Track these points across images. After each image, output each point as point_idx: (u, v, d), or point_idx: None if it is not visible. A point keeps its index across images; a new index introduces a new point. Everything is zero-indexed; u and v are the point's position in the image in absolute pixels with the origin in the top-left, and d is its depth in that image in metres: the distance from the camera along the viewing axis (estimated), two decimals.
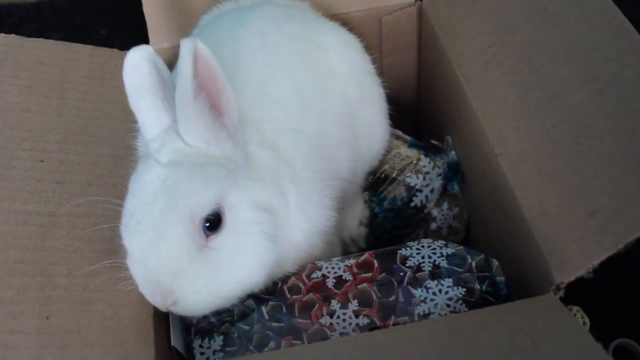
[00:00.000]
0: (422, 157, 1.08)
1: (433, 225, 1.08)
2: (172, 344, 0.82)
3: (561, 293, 0.77)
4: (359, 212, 1.10)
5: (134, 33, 1.42)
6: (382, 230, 1.09)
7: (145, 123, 0.77)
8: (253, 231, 0.77)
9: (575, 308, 0.98)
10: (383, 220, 1.08)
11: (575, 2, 0.87)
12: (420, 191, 1.07)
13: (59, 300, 0.76)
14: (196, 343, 0.83)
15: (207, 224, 0.74)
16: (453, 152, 1.08)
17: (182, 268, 0.73)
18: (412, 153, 1.08)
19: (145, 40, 1.13)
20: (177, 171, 0.73)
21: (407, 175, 1.07)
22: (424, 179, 1.07)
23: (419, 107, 1.31)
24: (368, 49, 1.17)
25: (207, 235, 0.74)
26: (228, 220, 0.75)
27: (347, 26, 1.12)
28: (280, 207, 0.81)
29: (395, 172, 1.07)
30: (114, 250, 0.84)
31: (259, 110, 0.85)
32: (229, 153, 0.77)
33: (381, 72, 1.22)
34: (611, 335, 1.01)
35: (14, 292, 0.75)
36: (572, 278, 0.75)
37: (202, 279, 0.74)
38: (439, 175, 1.08)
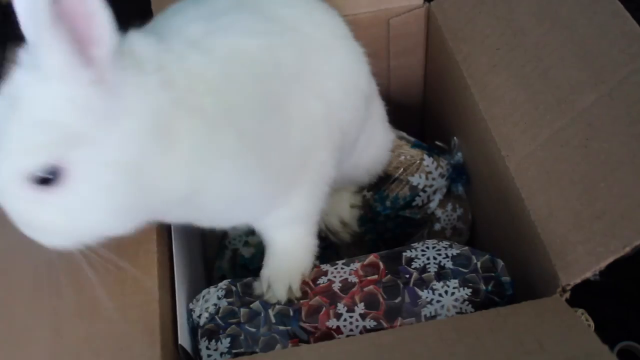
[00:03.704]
0: (426, 157, 1.08)
1: (437, 226, 1.09)
2: (179, 342, 0.82)
3: (567, 295, 0.77)
4: (348, 195, 1.10)
5: None
6: (385, 229, 1.09)
7: None
8: (99, 192, 0.67)
9: (579, 311, 0.98)
10: (385, 219, 1.08)
11: (585, 6, 0.88)
12: (424, 191, 1.07)
13: (69, 313, 0.77)
14: (203, 344, 0.83)
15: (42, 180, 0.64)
16: (459, 154, 1.08)
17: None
18: (416, 153, 1.09)
19: None
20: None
21: (410, 174, 1.07)
22: (427, 178, 1.07)
23: (425, 109, 1.31)
24: (376, 50, 1.18)
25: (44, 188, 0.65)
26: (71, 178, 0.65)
27: (355, 27, 1.12)
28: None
29: (399, 171, 1.07)
30: (121, 254, 0.84)
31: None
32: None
33: (388, 73, 1.23)
34: (615, 338, 1.01)
35: (26, 308, 0.77)
36: (578, 280, 0.75)
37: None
38: (443, 176, 1.08)
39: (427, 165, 1.07)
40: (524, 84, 0.90)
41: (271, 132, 0.76)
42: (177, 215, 0.79)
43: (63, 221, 0.67)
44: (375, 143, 1.04)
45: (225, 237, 1.10)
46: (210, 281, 1.02)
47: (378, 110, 1.03)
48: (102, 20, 0.61)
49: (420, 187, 1.07)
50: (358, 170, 1.05)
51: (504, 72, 0.93)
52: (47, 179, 0.64)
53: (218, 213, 0.81)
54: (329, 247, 1.11)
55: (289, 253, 0.89)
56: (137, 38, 0.69)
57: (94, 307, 0.78)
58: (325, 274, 0.88)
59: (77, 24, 0.60)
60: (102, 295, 0.79)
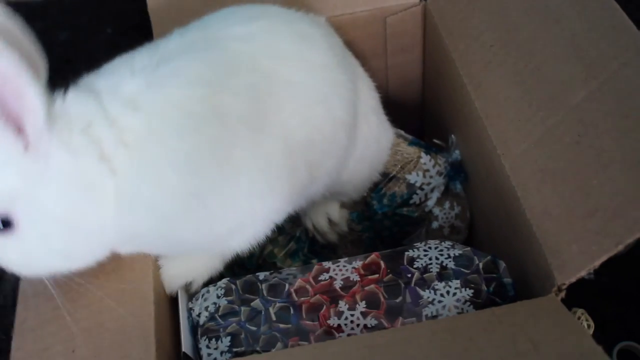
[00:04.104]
0: (423, 154, 1.07)
1: (435, 224, 1.08)
2: (183, 349, 0.82)
3: (562, 294, 0.76)
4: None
5: (140, 32, 1.43)
6: (382, 227, 1.09)
7: None
8: (45, 240, 0.75)
9: (580, 311, 0.97)
10: (382, 217, 1.08)
11: (576, 0, 0.87)
12: (421, 189, 1.07)
13: (81, 332, 0.79)
14: (203, 344, 0.83)
15: None
16: (457, 151, 1.07)
17: None
18: (413, 151, 1.08)
19: (151, 39, 1.14)
20: None
21: (408, 172, 1.07)
22: (424, 176, 1.06)
23: (424, 107, 1.30)
24: (373, 49, 1.18)
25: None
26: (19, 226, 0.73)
27: (352, 26, 1.12)
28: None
29: (396, 169, 1.07)
30: (120, 265, 0.85)
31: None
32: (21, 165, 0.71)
33: (386, 71, 1.22)
34: (616, 338, 1.00)
35: (51, 338, 0.79)
36: (572, 279, 0.74)
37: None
38: (440, 173, 1.07)
39: (425, 163, 1.07)
40: (517, 80, 0.89)
41: (207, 182, 0.78)
42: (130, 249, 0.84)
43: (22, 260, 0.76)
44: (368, 162, 1.02)
45: None
46: (208, 280, 1.02)
47: (371, 130, 0.99)
48: (31, 97, 0.67)
49: (418, 184, 1.06)
50: (347, 187, 1.04)
51: (498, 69, 0.92)
52: (3, 225, 0.72)
53: (161, 250, 0.88)
54: (327, 246, 1.10)
55: (188, 262, 0.92)
56: (72, 99, 0.75)
57: (100, 321, 0.80)
58: (327, 270, 0.88)
59: (6, 101, 0.67)
60: (103, 309, 0.81)
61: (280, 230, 1.11)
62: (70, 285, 0.80)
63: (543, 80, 0.86)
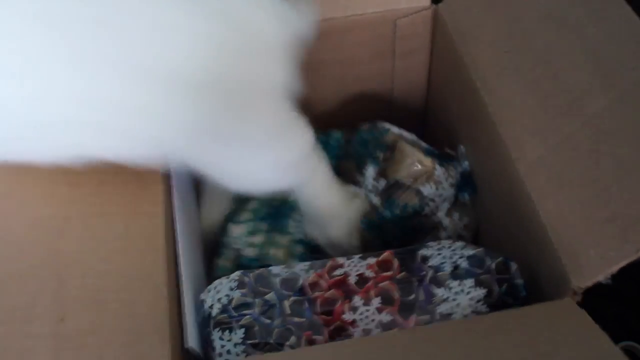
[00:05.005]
0: (437, 166, 1.08)
1: (443, 234, 1.09)
2: (185, 345, 0.82)
3: (578, 298, 0.77)
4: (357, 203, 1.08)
5: None
6: (392, 236, 1.09)
7: None
8: None
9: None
10: (392, 226, 1.09)
11: (594, 10, 0.88)
12: (433, 200, 1.07)
13: (74, 302, 0.77)
14: (216, 335, 0.83)
15: None
16: (466, 163, 1.08)
17: None
18: (428, 162, 1.08)
19: None
20: None
21: (421, 184, 1.07)
22: (437, 188, 1.07)
23: (427, 112, 1.31)
24: (381, 51, 1.18)
25: None
26: None
27: (361, 27, 1.12)
28: None
29: (410, 180, 1.07)
30: (126, 248, 0.84)
31: None
32: None
33: (392, 74, 1.23)
34: (615, 338, 1.01)
35: (29, 298, 0.77)
36: (589, 283, 0.76)
37: None
38: (452, 185, 1.08)
39: (438, 175, 1.07)
40: (534, 87, 0.90)
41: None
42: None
43: None
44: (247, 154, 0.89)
45: (224, 235, 1.10)
46: (210, 280, 1.02)
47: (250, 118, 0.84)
48: None
49: (430, 196, 1.07)
50: (219, 174, 0.93)
51: (513, 75, 0.93)
52: None
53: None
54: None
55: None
56: None
57: (100, 298, 0.79)
58: (342, 266, 0.88)
59: None
60: (108, 287, 0.80)
61: (281, 229, 1.11)
62: (86, 286, 0.80)
63: (560, 88, 0.87)
